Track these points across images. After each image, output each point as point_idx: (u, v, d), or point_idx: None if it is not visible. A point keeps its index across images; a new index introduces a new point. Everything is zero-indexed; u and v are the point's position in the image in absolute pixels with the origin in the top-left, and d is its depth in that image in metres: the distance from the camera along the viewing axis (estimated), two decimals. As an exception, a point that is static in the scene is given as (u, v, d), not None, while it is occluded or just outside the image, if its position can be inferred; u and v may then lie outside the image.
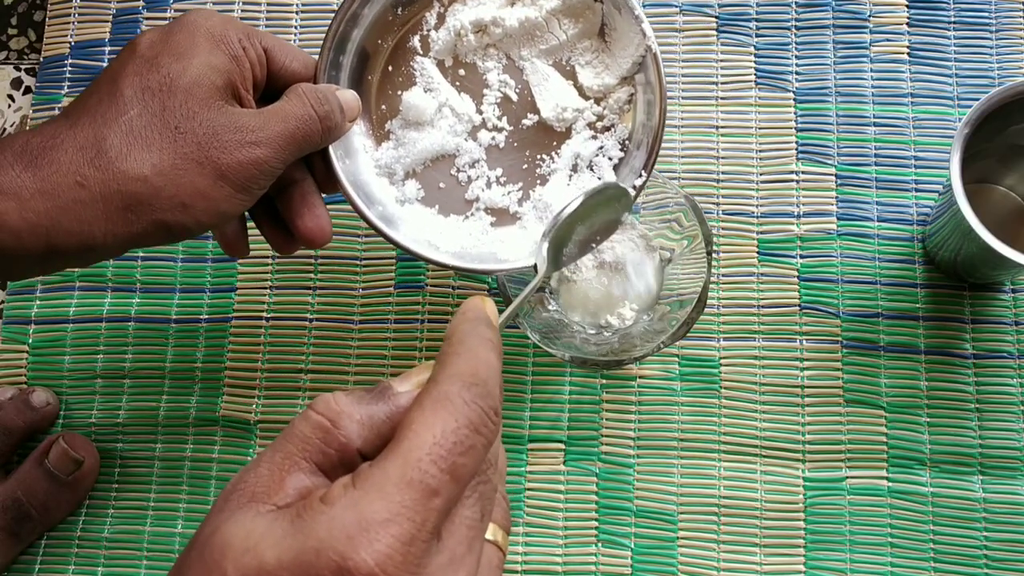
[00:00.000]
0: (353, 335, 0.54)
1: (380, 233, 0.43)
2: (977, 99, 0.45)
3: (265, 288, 0.55)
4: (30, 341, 0.55)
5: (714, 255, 0.53)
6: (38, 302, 0.56)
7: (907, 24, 0.56)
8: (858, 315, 0.53)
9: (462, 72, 0.46)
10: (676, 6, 0.57)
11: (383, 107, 0.46)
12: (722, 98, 0.56)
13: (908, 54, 0.56)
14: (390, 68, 0.46)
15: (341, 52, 0.44)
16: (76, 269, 0.56)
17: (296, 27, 0.59)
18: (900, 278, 0.53)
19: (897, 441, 0.51)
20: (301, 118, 0.39)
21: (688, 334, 0.47)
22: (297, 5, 0.59)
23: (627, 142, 0.45)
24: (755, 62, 0.56)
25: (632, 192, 0.44)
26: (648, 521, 0.51)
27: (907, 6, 0.57)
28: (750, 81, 0.56)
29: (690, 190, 0.55)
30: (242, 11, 0.59)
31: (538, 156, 0.46)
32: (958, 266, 0.51)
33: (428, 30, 0.46)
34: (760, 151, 0.55)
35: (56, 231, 0.34)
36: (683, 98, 0.56)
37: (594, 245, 0.45)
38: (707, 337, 0.53)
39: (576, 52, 0.46)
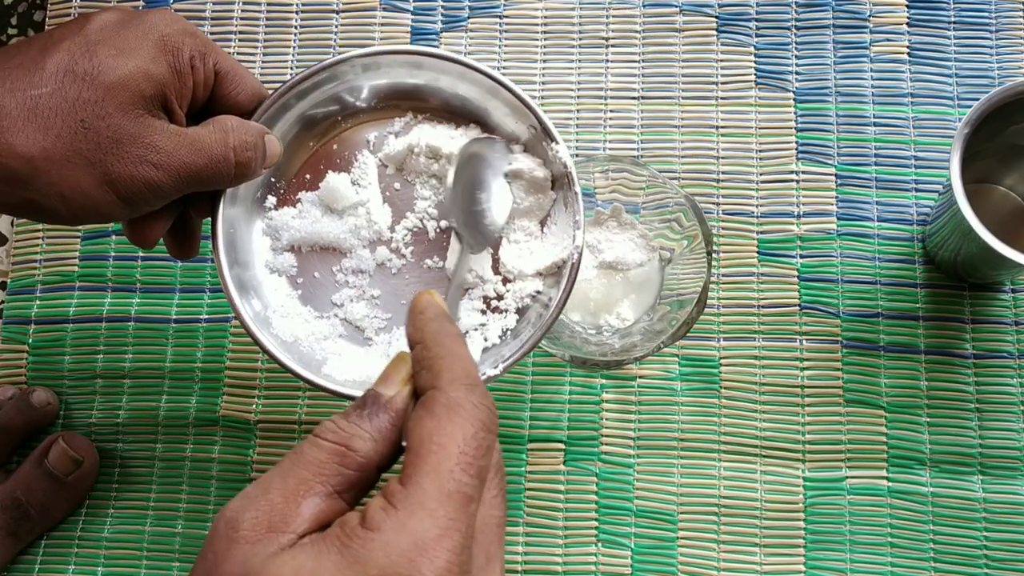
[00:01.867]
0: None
1: (224, 287, 0.41)
2: (977, 99, 0.45)
3: (265, 288, 0.55)
4: (30, 341, 0.55)
5: (714, 255, 0.53)
6: (38, 302, 0.56)
7: (907, 24, 0.56)
8: (858, 315, 0.53)
9: (397, 186, 0.44)
10: (676, 6, 0.57)
11: (307, 176, 0.44)
12: (722, 98, 0.56)
13: (908, 54, 0.56)
14: (335, 146, 0.45)
15: (303, 98, 0.42)
16: (76, 269, 0.56)
17: (296, 27, 0.59)
18: (900, 278, 0.53)
19: (897, 441, 0.51)
20: (215, 157, 0.37)
21: (688, 334, 0.47)
22: (297, 5, 0.59)
23: (508, 332, 0.43)
24: (755, 62, 0.56)
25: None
26: (648, 521, 0.51)
27: (907, 6, 0.57)
28: (750, 81, 0.56)
29: (690, 190, 0.55)
30: (242, 11, 0.59)
31: None
32: (958, 266, 0.51)
33: (388, 132, 0.45)
34: (760, 151, 0.55)
35: None
36: (683, 98, 0.56)
37: (512, 200, 0.43)
38: (707, 337, 0.53)
39: (512, 227, 0.44)
